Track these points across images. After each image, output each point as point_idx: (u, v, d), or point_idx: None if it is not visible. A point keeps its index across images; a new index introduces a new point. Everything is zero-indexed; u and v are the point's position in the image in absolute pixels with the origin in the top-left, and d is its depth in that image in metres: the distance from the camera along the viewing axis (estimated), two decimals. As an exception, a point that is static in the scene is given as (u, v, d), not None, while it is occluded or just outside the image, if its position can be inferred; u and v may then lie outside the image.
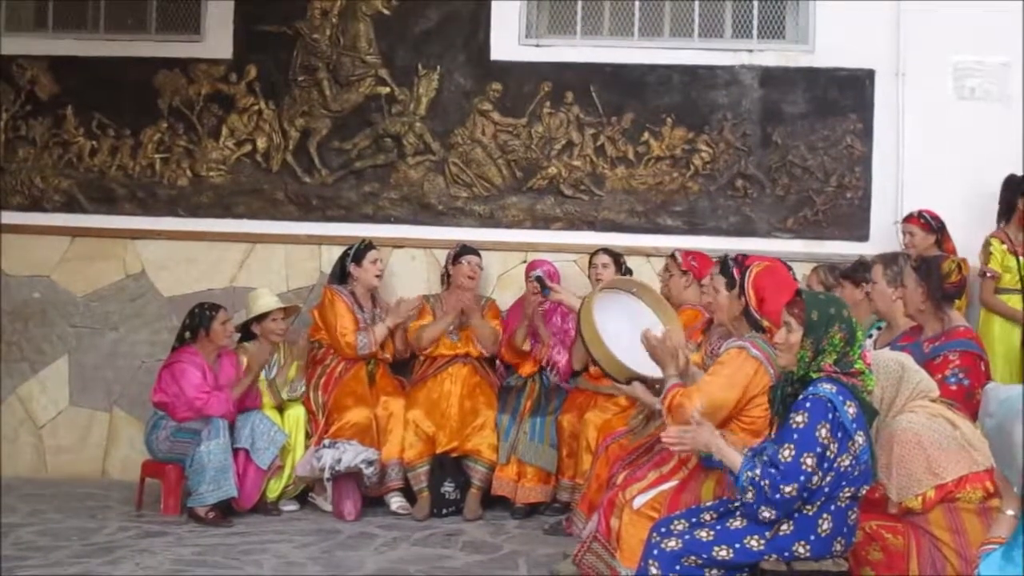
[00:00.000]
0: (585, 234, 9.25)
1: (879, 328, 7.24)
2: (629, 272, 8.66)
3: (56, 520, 7.97)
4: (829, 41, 9.13)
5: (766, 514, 4.68)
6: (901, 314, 6.85)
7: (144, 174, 9.60)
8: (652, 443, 6.30)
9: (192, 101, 9.57)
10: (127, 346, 9.59)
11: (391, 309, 8.78)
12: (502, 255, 9.35)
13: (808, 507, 4.70)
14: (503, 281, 9.34)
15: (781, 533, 4.73)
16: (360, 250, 8.80)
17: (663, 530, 4.95)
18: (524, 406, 8.51)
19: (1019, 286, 8.14)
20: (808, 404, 4.68)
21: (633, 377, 6.03)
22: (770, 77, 9.20)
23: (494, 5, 9.36)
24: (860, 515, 4.91)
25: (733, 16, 9.39)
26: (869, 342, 7.06)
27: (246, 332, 8.70)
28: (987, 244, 8.24)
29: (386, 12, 9.43)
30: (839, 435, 4.65)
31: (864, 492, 4.82)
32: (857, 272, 7.53)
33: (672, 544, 4.84)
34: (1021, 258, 8.13)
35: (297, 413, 8.51)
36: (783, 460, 4.63)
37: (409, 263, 9.44)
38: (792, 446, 4.64)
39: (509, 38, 9.38)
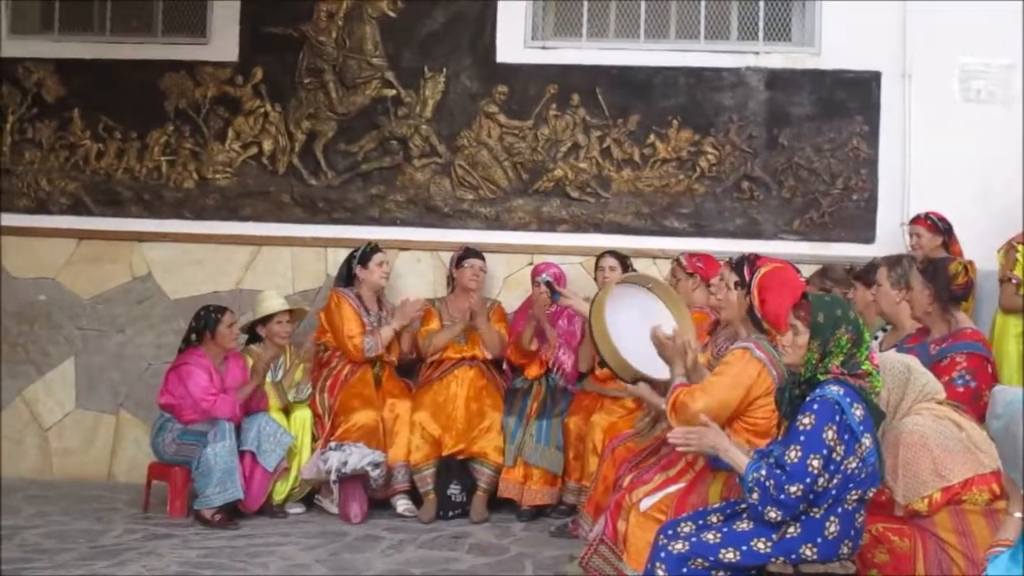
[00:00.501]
0: (591, 236, 9.25)
1: (885, 330, 7.24)
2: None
3: (62, 522, 7.98)
4: (835, 43, 9.12)
5: (772, 515, 4.67)
6: (906, 316, 6.85)
7: (150, 176, 9.61)
8: (659, 445, 6.30)
9: (198, 103, 9.57)
10: (133, 348, 9.60)
11: (397, 311, 8.78)
12: (508, 257, 9.35)
13: (815, 510, 4.69)
14: (509, 283, 9.33)
15: (788, 535, 4.72)
16: (366, 252, 8.80)
17: (670, 532, 4.95)
18: (530, 408, 8.51)
19: None
20: (815, 406, 4.67)
21: (639, 377, 6.02)
22: (776, 79, 9.20)
23: (500, 7, 9.36)
24: (867, 518, 4.90)
25: (739, 18, 9.39)
26: (875, 344, 7.07)
27: (253, 334, 8.69)
28: (1012, 249, 8.16)
29: (392, 14, 9.43)
30: (846, 437, 4.64)
31: (871, 495, 4.81)
32: (869, 273, 7.52)
33: (679, 546, 4.83)
34: None
35: (303, 415, 8.51)
36: (789, 461, 4.62)
37: (415, 265, 9.44)
38: (799, 447, 4.63)
39: (515, 40, 9.38)
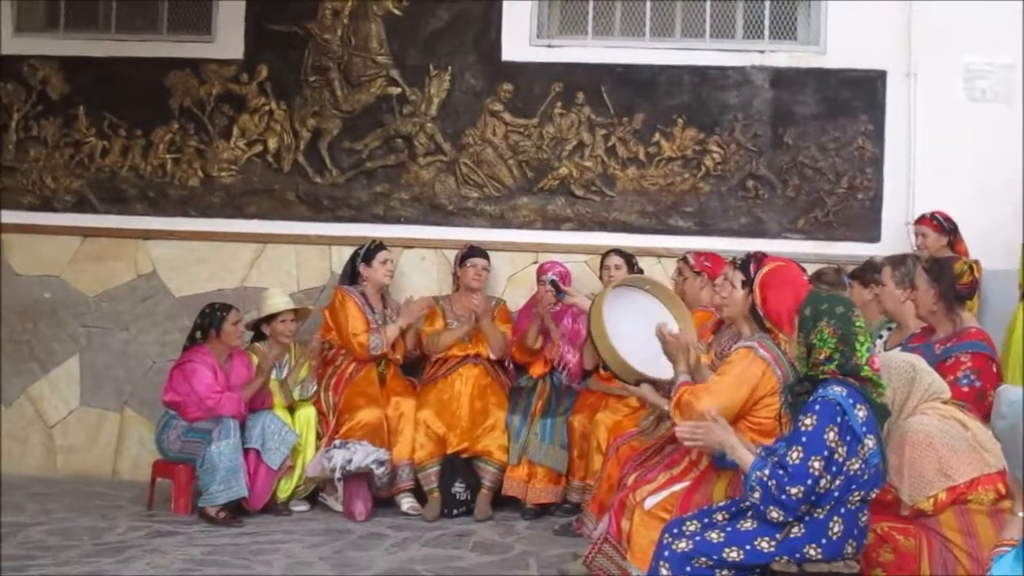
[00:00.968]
0: (596, 235, 9.24)
1: (889, 329, 7.23)
2: (641, 273, 8.66)
3: (66, 519, 7.97)
4: (840, 42, 9.11)
5: (774, 514, 4.67)
6: (911, 315, 6.85)
7: (155, 174, 9.61)
8: (663, 444, 6.30)
9: (203, 101, 9.58)
10: (138, 346, 9.60)
11: (402, 310, 8.78)
12: (512, 256, 9.35)
13: (818, 510, 4.69)
14: (514, 282, 9.33)
15: (792, 535, 4.72)
16: (370, 250, 8.80)
17: (674, 531, 4.94)
18: (535, 407, 8.51)
19: None
20: (817, 407, 4.67)
21: (641, 379, 6.01)
22: (781, 78, 9.19)
23: (505, 5, 9.36)
24: (872, 517, 4.90)
25: (744, 17, 9.38)
26: (879, 343, 7.06)
27: (257, 332, 8.70)
28: None
29: (397, 12, 9.44)
30: (848, 439, 4.63)
31: (874, 495, 4.81)
32: (866, 273, 7.51)
33: (683, 545, 4.83)
34: None
35: (308, 413, 8.51)
36: (791, 462, 4.62)
37: (419, 263, 9.44)
38: (800, 448, 4.63)
39: (520, 38, 9.38)
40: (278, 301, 8.60)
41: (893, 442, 5.21)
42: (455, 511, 8.34)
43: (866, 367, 4.77)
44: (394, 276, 9.07)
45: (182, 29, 9.80)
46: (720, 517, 5.00)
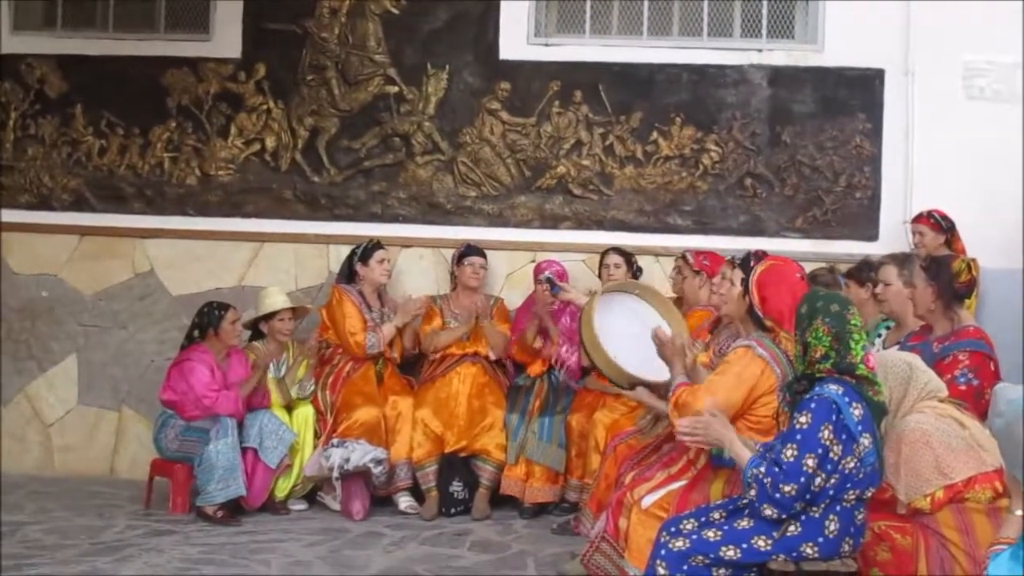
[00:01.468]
0: (594, 233, 9.23)
1: (888, 327, 7.23)
2: (640, 271, 8.68)
3: (64, 518, 7.98)
4: (838, 41, 9.11)
5: (768, 512, 4.67)
6: (911, 314, 6.84)
7: (153, 173, 9.61)
8: (661, 443, 6.31)
9: (201, 100, 9.57)
10: (135, 345, 9.60)
11: (399, 308, 8.78)
12: (510, 255, 9.35)
13: (814, 508, 4.69)
14: (511, 280, 9.33)
15: (789, 534, 4.72)
16: (367, 249, 8.80)
17: (672, 530, 4.94)
18: (533, 406, 8.50)
19: None
20: (813, 405, 4.68)
21: (636, 382, 6.01)
22: (779, 76, 9.19)
23: (503, 4, 9.35)
24: (869, 515, 4.90)
25: (742, 15, 9.38)
26: (878, 342, 7.06)
27: (255, 331, 8.70)
28: None
29: (395, 11, 9.43)
30: (843, 437, 4.63)
31: (870, 494, 4.81)
32: (862, 272, 7.51)
33: (680, 544, 4.83)
34: None
35: (306, 412, 8.51)
36: (785, 460, 4.63)
37: (417, 262, 9.44)
38: (795, 446, 4.63)
39: (518, 37, 9.37)
40: (276, 300, 8.60)
41: (890, 440, 5.21)
42: (453, 510, 8.34)
43: (861, 365, 4.77)
44: (392, 275, 9.07)
45: (180, 28, 9.79)
46: (717, 516, 5.00)
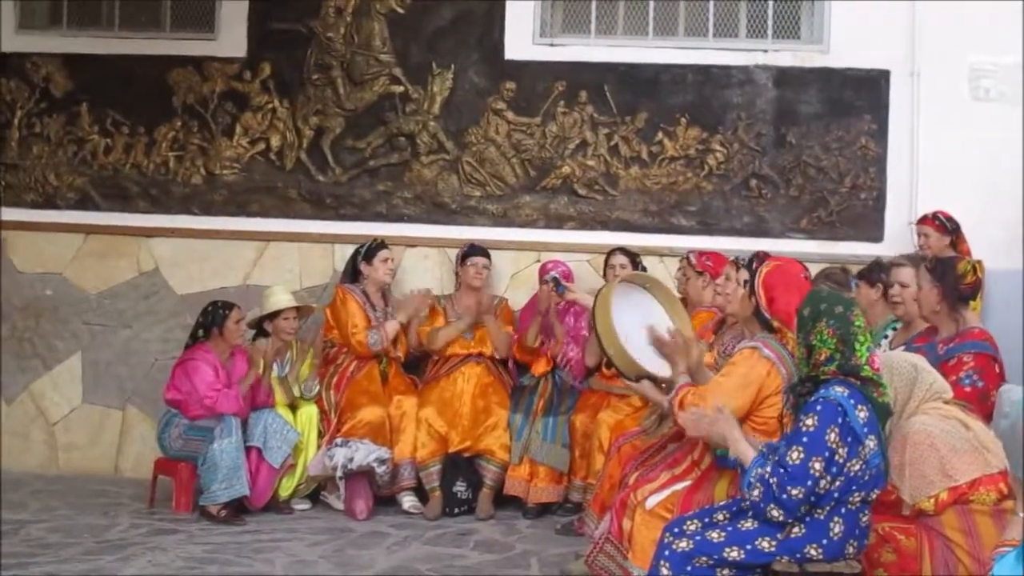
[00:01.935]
0: (598, 234, 9.23)
1: (894, 329, 7.22)
2: (645, 272, 8.65)
3: (68, 517, 7.98)
4: (844, 41, 9.10)
5: (774, 513, 4.65)
6: (918, 315, 6.84)
7: (158, 172, 9.61)
8: (665, 443, 6.29)
9: (206, 99, 9.58)
10: (140, 343, 9.61)
11: (400, 304, 8.77)
12: (515, 254, 9.35)
13: (819, 510, 4.68)
14: (516, 280, 9.33)
15: (793, 535, 4.70)
16: (371, 249, 8.80)
17: (675, 530, 4.93)
18: (537, 406, 8.50)
19: None
20: (818, 407, 4.66)
21: (643, 375, 6.00)
22: (785, 77, 9.18)
23: (508, 4, 9.35)
24: (873, 517, 4.89)
25: (748, 16, 9.37)
26: (884, 343, 7.04)
27: (260, 330, 8.69)
28: None
29: (400, 11, 9.43)
30: (849, 439, 4.62)
31: (875, 496, 4.79)
32: (872, 273, 7.49)
33: (683, 545, 4.82)
34: None
35: (310, 411, 8.51)
36: (791, 462, 4.61)
37: (422, 262, 9.44)
38: (801, 449, 4.61)
39: (523, 37, 9.37)
40: (280, 299, 8.59)
41: (895, 442, 5.20)
42: (456, 510, 8.34)
43: (866, 367, 4.75)
44: (396, 275, 9.08)
45: (185, 27, 9.79)
46: (721, 517, 4.99)
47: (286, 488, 8.34)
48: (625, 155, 9.25)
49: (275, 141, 9.53)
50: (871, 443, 4.66)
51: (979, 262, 7.78)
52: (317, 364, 8.68)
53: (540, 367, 8.70)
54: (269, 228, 9.53)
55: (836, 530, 4.68)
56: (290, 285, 9.17)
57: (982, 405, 6.03)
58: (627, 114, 9.26)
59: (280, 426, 8.22)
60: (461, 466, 8.45)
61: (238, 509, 8.05)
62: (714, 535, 4.81)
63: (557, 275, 8.39)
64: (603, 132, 9.27)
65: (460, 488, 8.40)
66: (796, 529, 4.70)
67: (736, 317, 6.10)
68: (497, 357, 8.83)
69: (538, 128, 9.33)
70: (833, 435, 4.59)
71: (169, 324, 9.56)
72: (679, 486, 5.73)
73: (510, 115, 9.34)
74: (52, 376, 9.67)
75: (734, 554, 4.74)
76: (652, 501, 5.64)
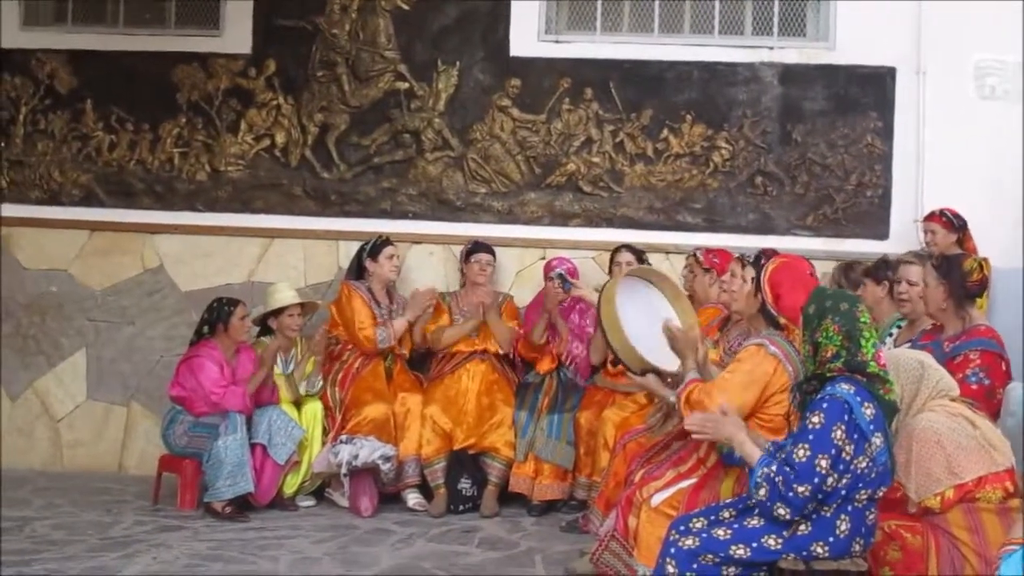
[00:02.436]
0: (604, 231, 9.23)
1: (899, 326, 7.20)
2: (649, 269, 8.67)
3: (72, 514, 7.98)
4: (850, 39, 9.09)
5: (781, 511, 4.65)
6: (924, 313, 6.82)
7: (163, 168, 9.60)
8: (670, 441, 6.29)
9: (211, 96, 9.56)
10: (145, 340, 9.60)
11: (409, 302, 8.76)
12: (520, 251, 9.34)
13: (825, 508, 4.67)
14: (521, 277, 9.32)
15: (799, 533, 4.70)
16: (376, 245, 8.79)
17: (681, 528, 4.93)
18: (542, 403, 8.50)
19: None
20: (825, 404, 4.65)
21: (648, 369, 5.99)
22: (790, 74, 9.17)
23: (514, 1, 9.33)
24: (879, 514, 4.88)
25: (753, 13, 9.36)
26: (889, 340, 7.03)
27: (265, 327, 8.69)
28: None
29: (405, 7, 9.42)
30: (855, 437, 4.61)
31: (881, 493, 4.78)
32: (879, 270, 7.47)
33: (689, 542, 4.82)
34: None
35: (314, 408, 8.50)
36: (797, 460, 4.60)
37: (427, 259, 9.43)
38: (807, 446, 4.61)
39: (528, 34, 9.36)
40: (285, 295, 8.58)
41: (901, 439, 5.20)
42: (461, 507, 8.33)
43: (872, 363, 4.75)
44: (401, 271, 9.07)
45: (190, 23, 9.78)
46: (727, 514, 4.98)
47: (291, 485, 8.34)
48: (630, 152, 9.25)
49: (280, 138, 9.52)
50: (877, 440, 4.65)
51: (985, 260, 7.77)
52: (321, 361, 8.67)
53: (545, 364, 8.68)
54: (274, 225, 9.52)
55: (842, 528, 4.68)
56: (295, 282, 9.15)
57: (988, 403, 6.03)
58: (632, 111, 9.25)
59: (285, 423, 8.22)
60: (466, 463, 8.44)
61: (242, 506, 8.05)
62: (720, 533, 4.81)
63: (563, 272, 8.38)
64: (608, 129, 9.26)
65: (465, 485, 8.39)
66: (802, 527, 4.69)
67: (741, 314, 6.10)
68: (501, 353, 8.81)
69: (543, 125, 9.32)
70: (839, 432, 4.58)
71: (174, 321, 9.56)
72: (685, 483, 5.73)
73: (515, 112, 9.33)
74: (56, 373, 9.67)
75: (740, 552, 4.74)
76: (658, 499, 5.64)
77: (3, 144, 9.74)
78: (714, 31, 9.33)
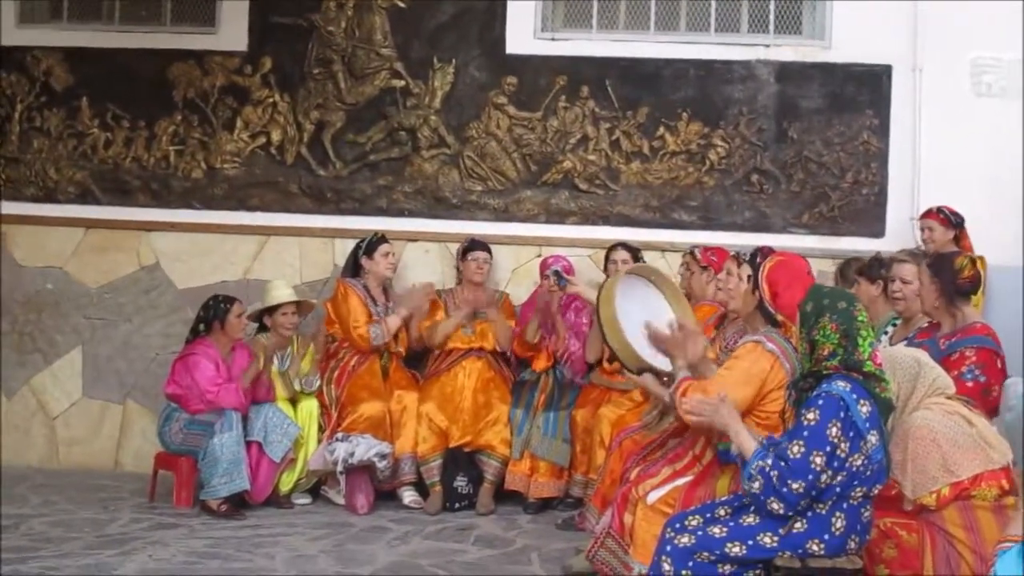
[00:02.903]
0: (600, 229, 9.23)
1: (895, 324, 7.21)
2: (645, 267, 8.66)
3: (68, 511, 7.98)
4: (846, 36, 9.09)
5: (775, 506, 4.65)
6: (920, 311, 6.83)
7: (158, 166, 9.60)
8: (666, 438, 6.28)
9: (207, 93, 9.56)
10: (141, 338, 9.60)
11: (401, 298, 8.76)
12: (516, 249, 9.34)
13: (820, 505, 4.67)
14: (517, 275, 9.33)
15: (795, 530, 4.70)
16: (372, 243, 8.79)
17: (677, 526, 4.93)
18: (538, 401, 8.50)
19: None
20: (821, 401, 4.66)
21: (645, 367, 5.99)
22: (786, 72, 9.17)
23: (510, -2, 9.35)
24: (875, 512, 4.88)
25: (750, 11, 9.35)
26: (884, 339, 7.04)
27: (262, 324, 8.68)
28: None
29: (401, 5, 9.42)
30: (851, 434, 4.61)
31: (877, 491, 4.79)
32: (872, 269, 7.48)
33: (685, 540, 4.82)
34: None
35: (310, 406, 8.51)
36: (792, 456, 4.60)
37: (423, 256, 9.43)
38: (802, 443, 4.61)
39: (524, 31, 9.36)
40: (280, 294, 8.58)
41: (897, 437, 5.20)
42: (457, 505, 8.34)
43: (869, 362, 4.75)
44: (397, 269, 9.07)
45: (186, 21, 9.78)
46: (723, 512, 4.98)
47: (286, 483, 8.35)
48: (626, 150, 9.25)
49: (276, 135, 9.52)
50: (873, 438, 4.65)
51: (981, 258, 7.78)
52: (318, 359, 8.67)
53: (541, 362, 8.69)
54: (270, 222, 9.53)
55: (838, 525, 4.68)
56: (291, 279, 9.16)
57: (984, 400, 6.03)
58: (628, 109, 9.25)
59: (281, 420, 8.23)
60: (462, 461, 8.45)
61: (238, 504, 8.05)
62: (716, 530, 4.81)
63: (559, 269, 8.38)
64: (604, 127, 9.26)
65: (461, 483, 8.39)
66: (798, 524, 4.69)
67: (738, 312, 6.08)
68: (499, 350, 8.81)
69: (539, 123, 9.32)
70: (835, 429, 4.59)
71: (170, 318, 9.56)
72: (680, 481, 5.73)
73: (511, 110, 9.33)
74: (53, 370, 9.67)
75: (736, 549, 4.73)
76: (653, 496, 5.64)
77: (-1, 142, 9.76)
78: (710, 29, 9.33)
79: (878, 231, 9.04)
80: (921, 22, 8.96)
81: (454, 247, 9.18)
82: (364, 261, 8.77)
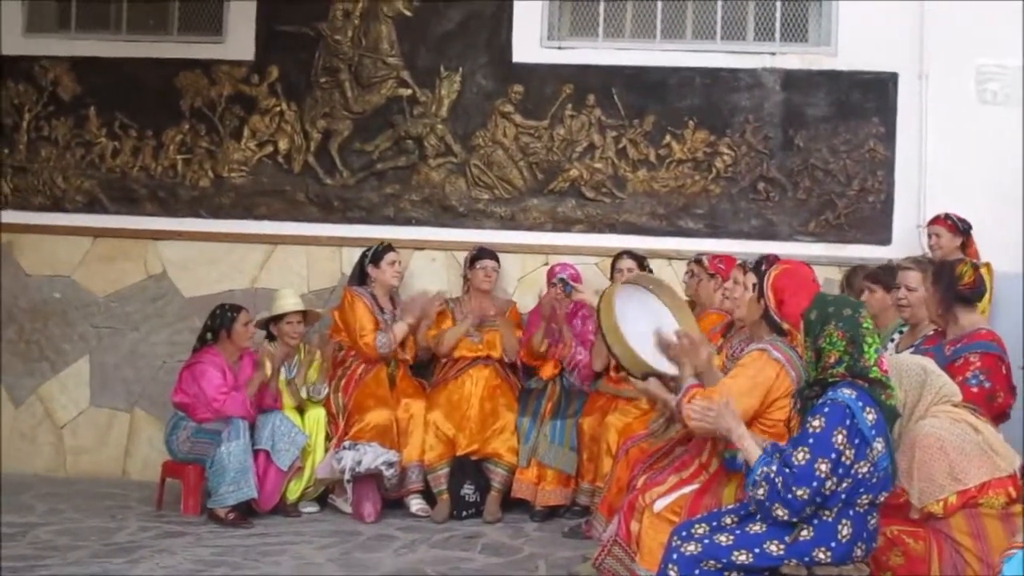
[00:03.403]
0: (606, 237, 9.23)
1: (901, 332, 7.20)
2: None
3: (75, 520, 7.99)
4: (852, 44, 9.09)
5: (779, 512, 4.64)
6: (927, 318, 6.82)
7: (166, 175, 9.62)
8: (673, 446, 6.28)
9: (214, 102, 9.58)
10: (148, 346, 9.61)
11: (406, 306, 8.76)
12: (523, 258, 9.35)
13: (826, 512, 4.67)
14: (524, 283, 9.33)
15: (801, 538, 4.69)
16: (378, 252, 8.80)
17: (683, 534, 4.93)
18: (544, 409, 8.50)
19: None
20: (826, 409, 4.65)
21: (650, 372, 5.98)
22: (792, 80, 9.17)
23: (516, 7, 9.35)
24: (882, 520, 4.88)
25: (755, 18, 9.37)
26: (891, 346, 7.03)
27: (271, 333, 8.68)
28: None
29: (408, 13, 9.43)
30: (856, 442, 4.61)
31: (883, 499, 4.78)
32: (884, 276, 7.46)
33: (691, 548, 4.81)
34: None
35: (317, 414, 8.51)
36: (797, 462, 4.60)
37: (430, 265, 9.44)
38: (807, 450, 4.60)
39: (531, 40, 9.37)
40: (286, 302, 8.57)
41: (903, 445, 5.20)
42: (464, 513, 8.33)
43: (875, 369, 4.75)
44: (404, 278, 9.07)
45: (193, 30, 9.82)
46: (729, 520, 4.98)
47: (294, 491, 8.35)
48: (633, 158, 9.25)
49: (283, 144, 9.53)
50: (879, 445, 4.65)
51: (987, 264, 7.77)
52: (326, 368, 8.67)
53: (548, 370, 8.69)
54: (277, 231, 9.54)
55: (844, 533, 4.68)
56: (298, 288, 9.16)
57: (989, 406, 6.02)
58: (635, 117, 9.26)
59: (288, 429, 8.23)
60: (469, 469, 8.44)
61: (246, 512, 8.06)
62: (722, 538, 4.81)
63: (565, 277, 8.39)
64: (611, 135, 9.27)
65: (468, 491, 8.39)
66: (804, 532, 4.69)
67: (744, 321, 6.08)
68: (507, 360, 8.82)
69: (546, 131, 9.32)
70: (840, 437, 4.58)
71: (177, 327, 9.57)
72: (687, 489, 5.73)
73: (518, 118, 9.34)
74: (60, 379, 9.68)
75: (742, 557, 4.73)
76: (660, 504, 5.64)
77: (7, 151, 9.77)
78: (716, 37, 9.34)
79: (885, 238, 9.03)
80: (927, 30, 8.95)
81: (461, 255, 9.19)
82: (370, 270, 8.78)
